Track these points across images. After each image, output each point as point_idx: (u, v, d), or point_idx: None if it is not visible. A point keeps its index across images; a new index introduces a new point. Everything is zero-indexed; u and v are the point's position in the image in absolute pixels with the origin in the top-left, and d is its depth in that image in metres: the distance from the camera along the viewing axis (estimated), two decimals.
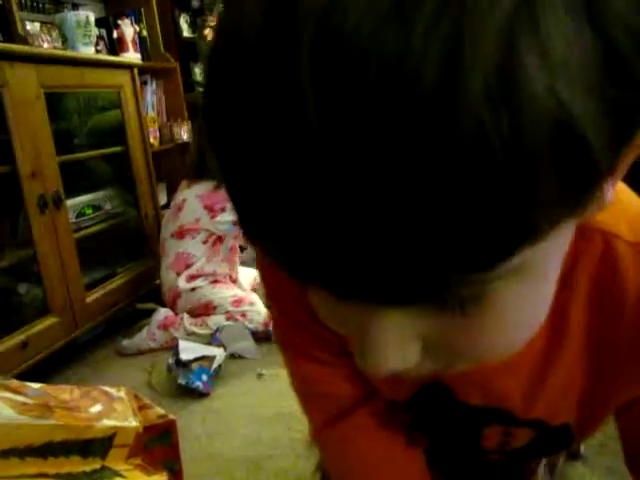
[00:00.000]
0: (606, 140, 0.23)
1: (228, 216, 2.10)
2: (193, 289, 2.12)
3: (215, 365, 1.74)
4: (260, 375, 1.77)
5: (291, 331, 0.62)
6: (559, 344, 0.49)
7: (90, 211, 2.14)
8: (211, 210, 2.13)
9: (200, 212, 2.14)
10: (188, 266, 2.13)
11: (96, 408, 1.17)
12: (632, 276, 0.45)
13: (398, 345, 0.32)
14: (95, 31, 2.23)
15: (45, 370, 1.84)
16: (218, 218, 2.13)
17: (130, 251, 2.34)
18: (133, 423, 1.19)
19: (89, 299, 2.01)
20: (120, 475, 1.11)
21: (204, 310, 2.08)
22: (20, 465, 0.87)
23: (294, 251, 0.26)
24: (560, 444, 0.61)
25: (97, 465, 1.08)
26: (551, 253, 0.31)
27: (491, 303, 0.30)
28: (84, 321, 1.97)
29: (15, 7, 2.33)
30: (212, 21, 3.26)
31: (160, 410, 1.29)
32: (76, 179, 2.07)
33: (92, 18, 2.13)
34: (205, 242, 2.17)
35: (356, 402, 0.64)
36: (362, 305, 0.29)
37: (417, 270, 0.25)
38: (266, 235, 0.27)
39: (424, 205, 0.22)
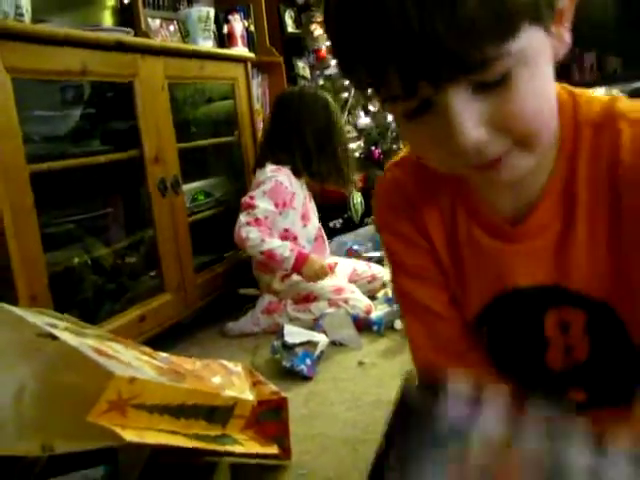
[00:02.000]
0: None
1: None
2: (290, 286, 2.18)
3: (318, 351, 1.80)
4: (361, 363, 1.81)
5: (401, 255, 0.77)
6: (573, 221, 0.64)
7: (202, 197, 2.25)
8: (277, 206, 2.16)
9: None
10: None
11: (217, 379, 1.24)
12: (628, 148, 0.61)
13: (470, 123, 0.52)
14: (213, 26, 2.34)
15: (156, 346, 1.95)
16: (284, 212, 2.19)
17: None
18: (250, 396, 1.26)
19: (199, 280, 2.12)
20: (239, 443, 1.18)
21: (306, 298, 2.14)
22: (159, 421, 0.95)
23: (384, 56, 0.50)
24: (614, 336, 0.67)
25: (219, 431, 1.15)
26: (537, 53, 0.53)
27: (516, 80, 0.51)
28: (194, 301, 2.08)
29: (140, 4, 2.49)
30: (318, 17, 3.32)
31: (273, 387, 1.36)
32: (191, 166, 2.18)
33: (212, 13, 2.23)
34: (283, 239, 2.18)
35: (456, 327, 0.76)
36: (444, 97, 0.51)
37: (471, 47, 0.47)
38: (367, 57, 0.51)
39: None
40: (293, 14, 4.21)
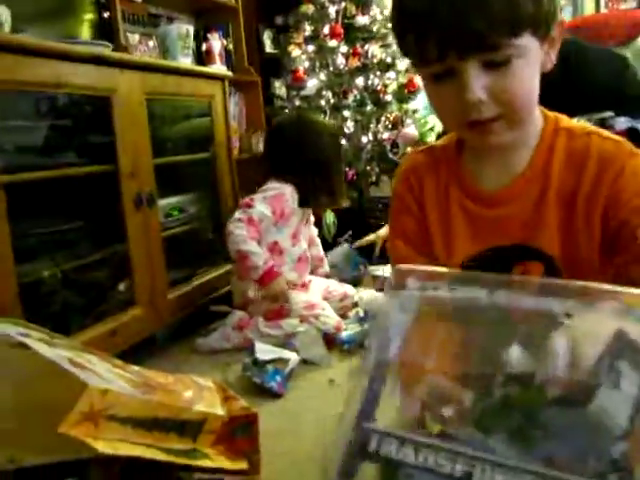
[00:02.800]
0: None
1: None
2: (263, 297, 2.18)
3: (289, 368, 1.80)
4: (331, 381, 1.82)
5: (400, 216, 1.00)
6: (546, 191, 0.87)
7: (176, 213, 2.25)
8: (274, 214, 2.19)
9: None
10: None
11: (188, 394, 1.24)
12: (595, 146, 0.85)
13: (477, 87, 0.76)
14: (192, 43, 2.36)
15: (128, 360, 1.93)
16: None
17: (209, 254, 2.44)
18: (220, 412, 1.26)
19: (170, 296, 2.12)
20: (209, 457, 1.17)
21: (277, 314, 2.14)
22: (131, 433, 0.95)
23: (431, 31, 0.75)
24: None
25: (189, 445, 1.15)
26: (532, 54, 0.78)
27: (514, 65, 0.76)
28: (165, 316, 2.07)
29: (120, 18, 2.50)
30: (297, 38, 3.37)
31: (243, 403, 1.36)
32: (166, 182, 2.18)
33: (192, 31, 2.26)
34: (271, 250, 2.22)
35: None
36: (461, 67, 0.76)
37: (490, 34, 0.73)
38: (418, 30, 0.77)
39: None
40: (271, 35, 4.27)
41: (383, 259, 2.61)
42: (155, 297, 2.03)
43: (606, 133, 0.88)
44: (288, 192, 2.23)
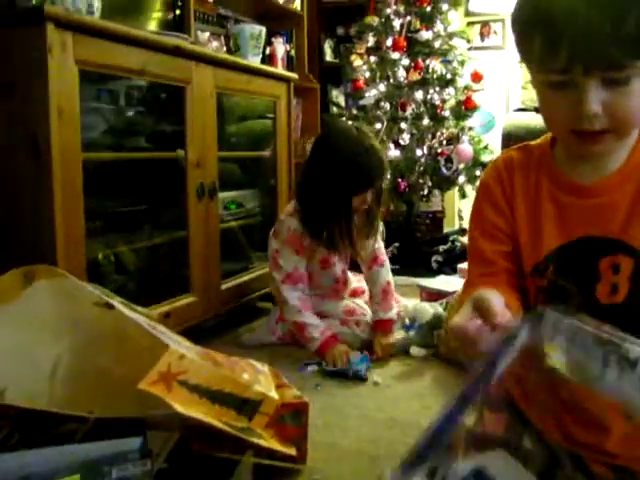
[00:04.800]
0: None
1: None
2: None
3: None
4: (376, 383, 1.84)
5: (485, 212, 1.01)
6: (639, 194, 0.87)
7: (234, 207, 2.30)
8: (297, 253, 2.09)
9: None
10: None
11: (246, 375, 1.27)
12: None
13: (596, 101, 0.78)
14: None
15: None
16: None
17: (261, 250, 2.48)
18: (275, 396, 1.28)
19: (223, 287, 2.16)
20: (262, 437, 1.20)
21: (319, 315, 2.14)
22: (197, 402, 0.98)
23: (574, 45, 0.75)
24: None
25: (244, 424, 1.17)
26: None
27: (632, 85, 0.77)
28: (217, 306, 2.12)
29: (192, 16, 2.59)
30: (359, 48, 3.42)
31: (296, 391, 1.39)
32: (226, 175, 2.23)
33: (264, 33, 2.32)
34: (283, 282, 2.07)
35: (503, 270, 0.98)
36: (581, 83, 0.78)
37: (617, 55, 0.74)
38: (550, 35, 0.77)
39: (616, 28, 0.73)
40: (332, 44, 4.34)
41: None
42: (209, 286, 2.07)
43: None
44: (294, 226, 2.05)
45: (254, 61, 2.33)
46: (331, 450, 1.46)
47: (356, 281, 2.37)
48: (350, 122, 2.41)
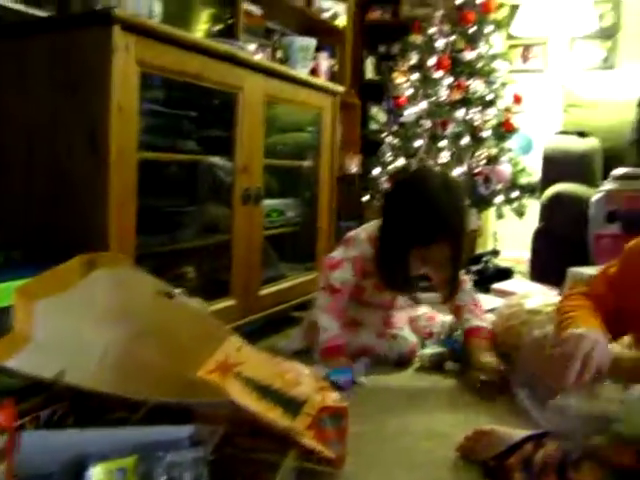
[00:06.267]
0: None
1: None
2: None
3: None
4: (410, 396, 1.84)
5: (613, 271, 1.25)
6: None
7: (276, 215, 2.33)
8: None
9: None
10: None
11: (290, 375, 1.28)
12: None
13: None
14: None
15: None
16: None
17: (300, 259, 2.51)
18: (318, 397, 1.29)
19: (262, 292, 2.18)
20: (304, 437, 1.21)
21: (354, 324, 2.10)
22: (249, 396, 1.00)
23: None
24: None
25: (288, 423, 1.18)
26: None
27: None
28: (255, 311, 2.14)
29: (241, 30, 2.66)
30: (402, 66, 3.45)
31: (336, 395, 1.40)
32: (270, 183, 2.27)
33: (313, 45, 2.36)
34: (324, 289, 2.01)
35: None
36: None
37: None
38: None
39: None
40: (374, 61, 4.39)
41: None
42: (248, 291, 2.10)
43: None
44: (367, 252, 1.97)
45: (302, 72, 2.37)
46: (368, 458, 1.46)
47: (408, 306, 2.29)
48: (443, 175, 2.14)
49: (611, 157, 3.04)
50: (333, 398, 1.39)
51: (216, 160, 2.00)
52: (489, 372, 1.83)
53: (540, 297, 2.05)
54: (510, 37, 4.16)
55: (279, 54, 2.60)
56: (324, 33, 3.55)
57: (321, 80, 2.65)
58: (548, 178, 3.23)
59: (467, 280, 2.13)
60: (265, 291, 2.21)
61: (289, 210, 2.42)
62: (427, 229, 1.82)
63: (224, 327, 0.98)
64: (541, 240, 3.02)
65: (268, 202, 2.30)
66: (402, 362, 2.05)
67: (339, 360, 1.89)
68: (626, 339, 1.33)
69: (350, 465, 1.38)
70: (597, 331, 1.07)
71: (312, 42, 2.37)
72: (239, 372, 0.95)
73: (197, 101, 1.99)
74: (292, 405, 1.19)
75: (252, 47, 2.92)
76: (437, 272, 2.03)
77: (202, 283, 2.07)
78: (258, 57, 2.82)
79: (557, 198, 2.92)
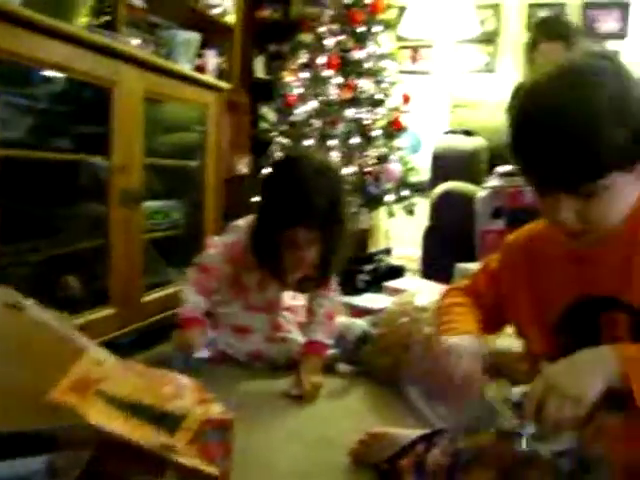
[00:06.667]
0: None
1: None
2: (225, 315, 2.05)
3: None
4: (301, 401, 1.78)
5: (493, 266, 1.26)
6: (632, 255, 0.98)
7: (159, 217, 2.21)
8: None
9: None
10: None
11: (168, 388, 1.19)
12: None
13: (567, 210, 0.94)
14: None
15: None
16: None
17: (184, 264, 2.39)
18: (199, 411, 1.21)
19: (145, 299, 2.06)
20: (184, 455, 1.12)
21: (243, 330, 2.03)
22: (115, 415, 0.90)
23: (537, 169, 0.97)
24: None
25: (166, 439, 1.09)
26: (622, 185, 0.93)
27: (598, 198, 0.92)
28: (137, 320, 2.02)
29: (122, 23, 2.50)
30: (292, 65, 3.40)
31: (220, 407, 1.31)
32: (152, 184, 2.15)
33: (197, 41, 2.26)
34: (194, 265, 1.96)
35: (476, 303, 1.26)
36: (555, 195, 0.94)
37: (572, 179, 0.92)
38: (531, 165, 0.98)
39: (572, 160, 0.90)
40: (263, 60, 4.32)
41: None
42: (130, 298, 1.97)
43: None
44: (242, 240, 1.91)
45: (185, 68, 2.26)
46: (257, 470, 1.39)
47: (291, 298, 2.22)
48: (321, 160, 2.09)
49: (497, 156, 3.13)
50: (217, 410, 1.31)
51: (92, 159, 1.86)
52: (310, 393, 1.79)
53: (429, 294, 2.06)
54: (399, 39, 4.22)
55: (164, 51, 2.46)
56: (213, 30, 3.43)
57: (205, 76, 2.54)
58: (437, 176, 3.30)
59: (335, 291, 2.06)
60: (149, 297, 2.09)
61: (174, 212, 2.31)
62: (291, 210, 1.77)
63: (82, 340, 0.87)
64: (431, 237, 3.07)
65: (152, 204, 2.18)
66: (292, 365, 1.98)
67: (192, 330, 1.81)
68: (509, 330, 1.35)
69: (237, 479, 1.31)
70: (465, 340, 1.13)
71: (195, 36, 2.27)
72: (101, 390, 0.85)
73: (68, 95, 1.84)
74: (168, 421, 1.09)
75: (135, 42, 2.77)
76: (306, 260, 1.92)
77: (79, 291, 1.92)
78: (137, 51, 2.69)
79: (446, 196, 2.98)
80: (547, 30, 2.92)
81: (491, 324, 1.24)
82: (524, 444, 0.93)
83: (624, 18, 4.11)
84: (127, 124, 1.88)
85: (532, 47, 2.90)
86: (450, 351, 1.11)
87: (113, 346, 1.94)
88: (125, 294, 1.95)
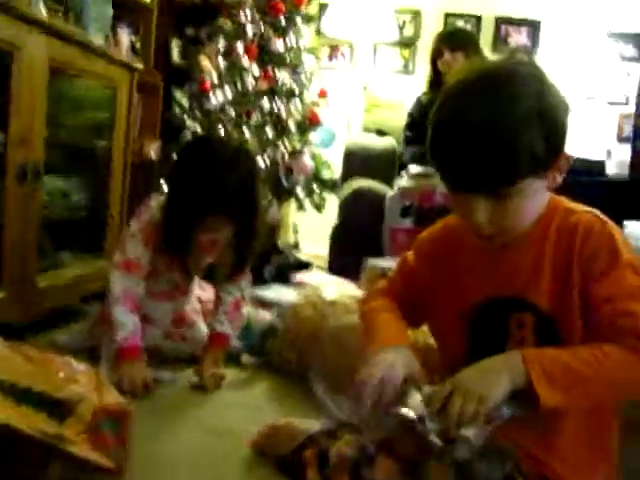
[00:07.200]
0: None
1: None
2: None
3: None
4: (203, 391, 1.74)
5: (409, 262, 1.26)
6: (540, 263, 1.02)
7: (60, 196, 2.09)
8: None
9: None
10: None
11: (61, 374, 1.12)
12: (581, 225, 1.00)
13: (481, 212, 0.96)
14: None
15: None
16: None
17: (88, 248, 2.28)
18: (94, 397, 1.15)
19: (41, 284, 1.94)
20: (75, 445, 1.05)
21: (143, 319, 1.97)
22: (1, 402, 0.83)
23: (454, 171, 0.99)
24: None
25: (54, 429, 1.02)
26: (535, 190, 0.97)
27: (511, 201, 0.95)
28: (32, 304, 1.90)
29: None
30: (209, 50, 3.32)
31: (119, 396, 1.26)
32: (54, 161, 2.02)
33: (109, 12, 2.16)
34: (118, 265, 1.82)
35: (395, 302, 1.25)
36: (470, 197, 0.97)
37: (489, 182, 0.94)
38: (448, 167, 1.00)
39: (484, 162, 0.92)
40: (180, 44, 4.19)
41: None
42: (23, 282, 1.85)
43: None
44: (155, 219, 1.80)
45: (97, 41, 2.14)
46: (154, 460, 1.34)
47: (199, 288, 2.17)
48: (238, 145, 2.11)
49: None
50: (113, 398, 1.24)
51: None
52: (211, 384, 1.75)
53: (335, 287, 2.06)
54: (320, 34, 4.23)
55: (73, 18, 2.30)
56: (127, 7, 3.29)
57: (118, 53, 2.42)
58: (348, 174, 3.33)
59: (248, 277, 2.01)
60: (45, 282, 1.97)
61: (75, 193, 2.19)
62: (204, 191, 1.69)
63: None
64: (340, 234, 3.10)
65: (53, 182, 2.06)
66: (192, 361, 1.91)
67: (136, 367, 1.66)
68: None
69: (133, 471, 1.25)
70: (391, 350, 1.10)
71: (108, 7, 2.16)
72: None
73: None
74: (60, 409, 1.03)
75: (42, 6, 2.61)
76: (217, 245, 1.88)
77: None
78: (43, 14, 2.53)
79: (357, 193, 3.01)
80: (450, 41, 3.09)
81: (410, 322, 1.23)
82: (429, 437, 0.95)
83: (534, 35, 4.31)
84: (28, 94, 1.75)
85: (437, 55, 3.07)
86: (374, 366, 1.06)
87: (7, 329, 1.83)
88: (19, 277, 1.83)
